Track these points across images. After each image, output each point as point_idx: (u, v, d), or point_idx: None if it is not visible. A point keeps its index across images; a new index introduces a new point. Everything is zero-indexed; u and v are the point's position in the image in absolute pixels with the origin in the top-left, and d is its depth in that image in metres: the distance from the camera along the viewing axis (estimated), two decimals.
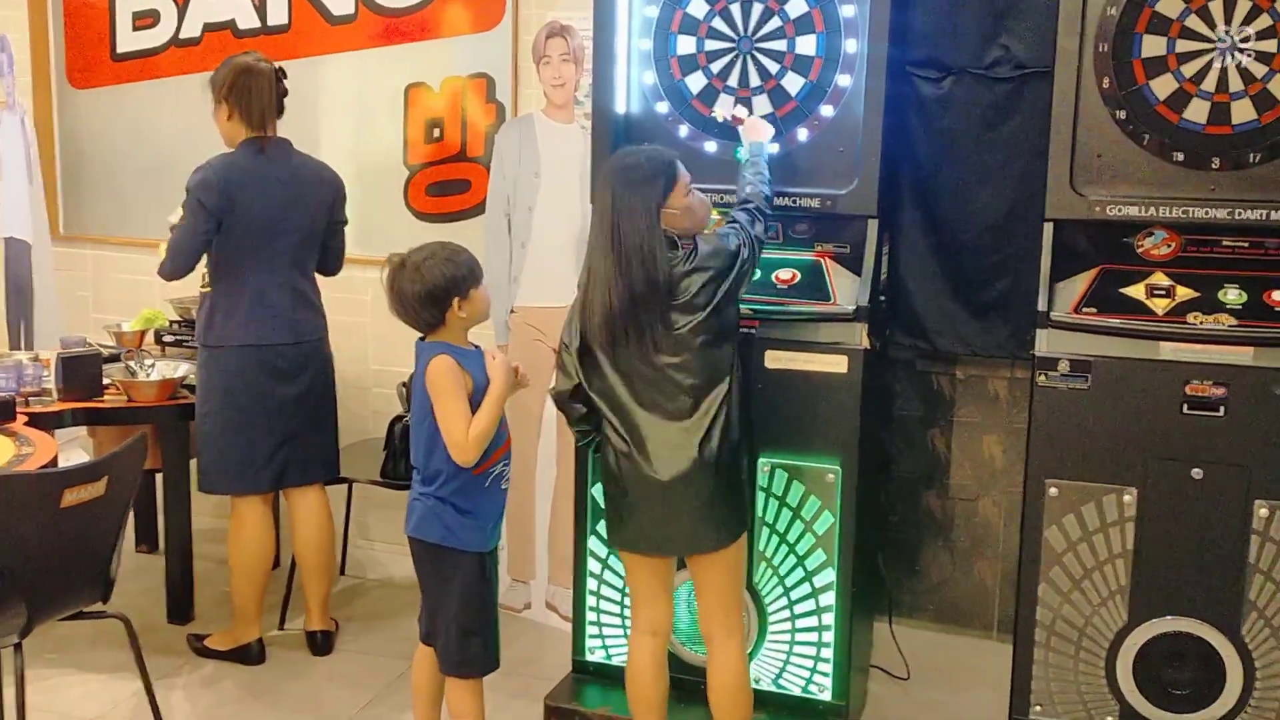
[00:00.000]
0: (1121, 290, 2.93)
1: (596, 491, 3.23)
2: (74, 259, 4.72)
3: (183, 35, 4.52)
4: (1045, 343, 2.92)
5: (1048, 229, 2.97)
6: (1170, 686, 2.90)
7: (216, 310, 3.42)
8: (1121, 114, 2.92)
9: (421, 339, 2.77)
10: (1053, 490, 2.91)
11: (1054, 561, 2.93)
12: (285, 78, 3.46)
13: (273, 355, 3.42)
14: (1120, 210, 2.90)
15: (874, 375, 3.21)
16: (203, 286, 3.49)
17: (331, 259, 3.63)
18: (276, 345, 3.42)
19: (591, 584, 3.30)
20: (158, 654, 3.55)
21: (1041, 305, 2.94)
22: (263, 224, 3.38)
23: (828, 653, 3.11)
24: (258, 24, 4.41)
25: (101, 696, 3.38)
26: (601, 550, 3.26)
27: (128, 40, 4.63)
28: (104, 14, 4.64)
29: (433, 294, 2.67)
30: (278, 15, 4.38)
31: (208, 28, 4.49)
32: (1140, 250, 2.98)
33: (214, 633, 3.66)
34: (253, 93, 3.37)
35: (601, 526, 3.25)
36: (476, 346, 2.80)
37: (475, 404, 2.71)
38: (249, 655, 3.56)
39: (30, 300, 4.38)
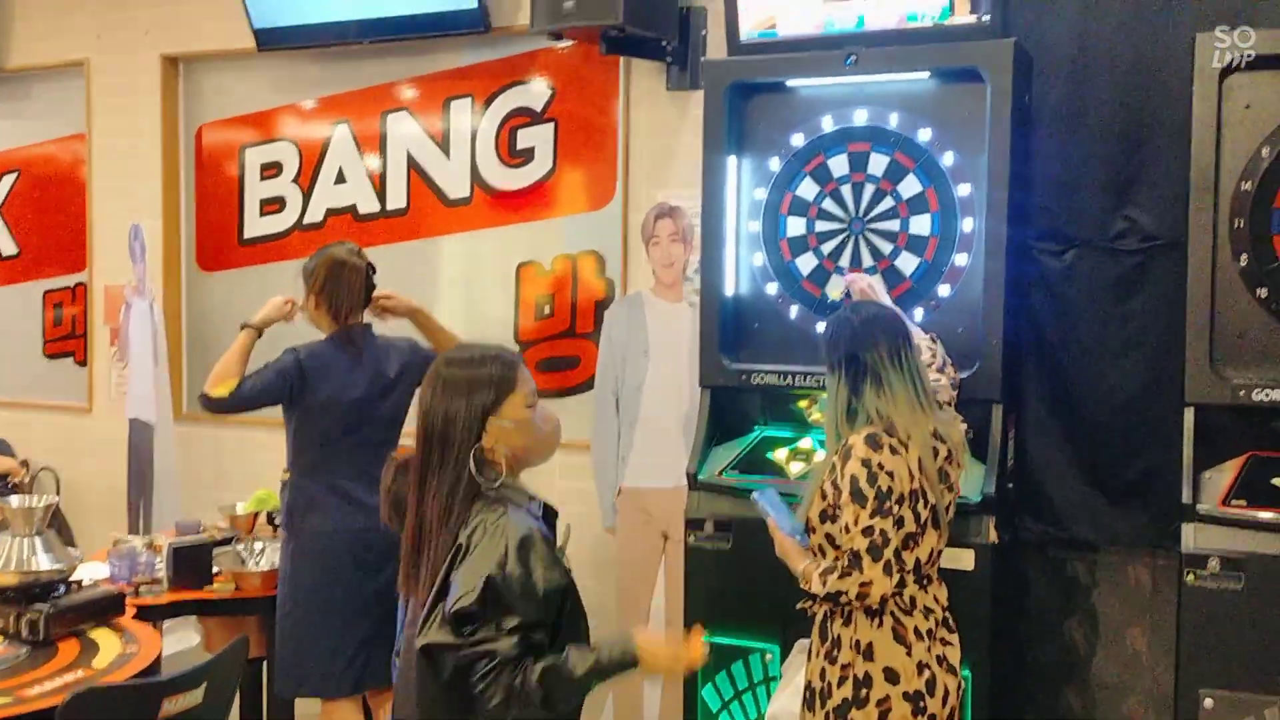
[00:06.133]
0: (1274, 480, 2.71)
1: (707, 693, 3.06)
2: (195, 436, 4.81)
3: (306, 220, 4.66)
4: (1193, 538, 2.70)
5: (1189, 414, 2.78)
6: None
7: (299, 497, 3.29)
8: (1263, 291, 2.74)
9: None
10: (1208, 702, 2.65)
11: None
12: (375, 273, 3.38)
13: (360, 545, 3.24)
14: (1267, 395, 2.70)
15: (1004, 570, 3.00)
16: (284, 473, 3.38)
17: None
18: (362, 530, 3.22)
19: None
20: None
21: (1186, 497, 2.73)
22: (347, 414, 3.26)
23: None
24: (378, 208, 4.53)
25: None
26: None
27: (255, 225, 4.80)
28: (233, 202, 4.83)
29: None
30: (397, 199, 4.49)
31: (330, 212, 4.62)
32: None
33: None
34: (343, 287, 3.32)
35: None
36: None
37: None
38: None
39: (150, 481, 4.45)
